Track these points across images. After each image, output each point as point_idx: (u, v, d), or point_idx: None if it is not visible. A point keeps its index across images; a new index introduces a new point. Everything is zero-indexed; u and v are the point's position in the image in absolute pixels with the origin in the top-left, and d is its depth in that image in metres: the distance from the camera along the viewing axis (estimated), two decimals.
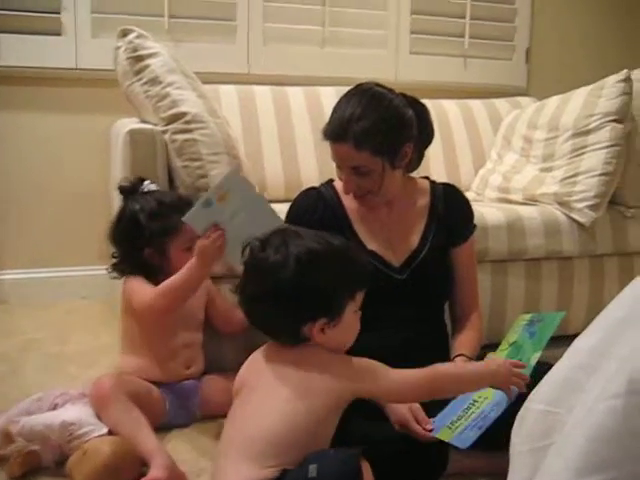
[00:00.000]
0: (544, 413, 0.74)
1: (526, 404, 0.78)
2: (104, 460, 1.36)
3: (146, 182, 1.78)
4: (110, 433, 1.47)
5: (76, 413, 1.48)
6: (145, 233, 1.68)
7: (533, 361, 1.37)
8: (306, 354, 1.24)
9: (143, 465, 1.43)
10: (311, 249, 1.22)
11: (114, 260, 1.76)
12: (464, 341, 1.66)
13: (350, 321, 1.26)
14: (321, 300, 1.20)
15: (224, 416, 1.54)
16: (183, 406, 1.71)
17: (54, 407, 1.52)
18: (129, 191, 1.77)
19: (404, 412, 1.42)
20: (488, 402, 1.35)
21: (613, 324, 0.73)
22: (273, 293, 1.20)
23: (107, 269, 1.78)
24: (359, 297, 1.26)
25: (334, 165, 1.64)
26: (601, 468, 0.60)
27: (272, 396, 1.21)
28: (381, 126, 1.55)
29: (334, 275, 1.22)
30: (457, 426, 1.34)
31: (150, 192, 1.76)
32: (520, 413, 0.80)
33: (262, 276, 1.22)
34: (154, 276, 1.72)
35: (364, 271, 1.27)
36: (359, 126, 1.53)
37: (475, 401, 1.38)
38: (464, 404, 1.39)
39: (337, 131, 1.56)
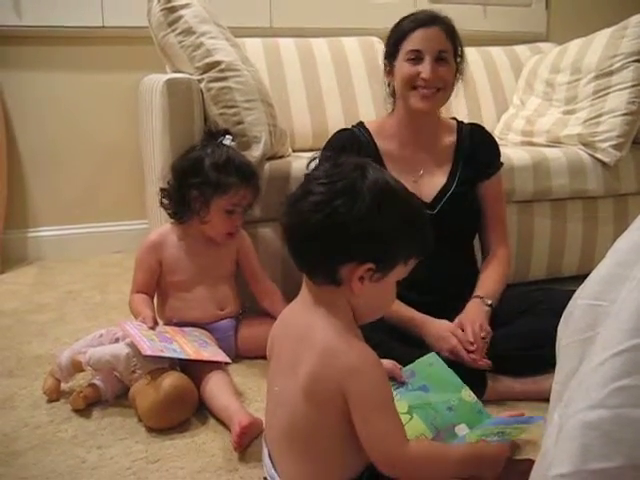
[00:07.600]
0: (589, 307, 0.78)
1: (572, 302, 0.83)
2: (165, 392, 1.42)
3: (228, 136, 1.84)
4: (171, 367, 1.53)
5: None
6: (201, 177, 1.73)
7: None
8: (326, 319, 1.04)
9: (200, 404, 1.51)
10: (392, 187, 1.04)
11: (166, 186, 1.83)
12: (484, 282, 1.70)
13: (391, 287, 1.08)
14: (379, 243, 1.00)
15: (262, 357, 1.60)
16: (220, 344, 1.74)
17: (115, 341, 1.58)
18: (212, 135, 1.84)
19: (454, 343, 1.50)
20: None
21: None
22: (332, 215, 0.97)
23: (158, 192, 1.85)
24: (410, 264, 1.07)
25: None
26: None
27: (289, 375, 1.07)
28: (455, 28, 1.71)
29: (403, 224, 1.02)
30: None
31: (225, 146, 1.81)
32: (566, 311, 0.84)
33: (324, 191, 1.00)
34: (186, 218, 1.79)
35: (428, 239, 1.07)
36: (447, 19, 1.70)
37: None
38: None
39: (427, 18, 1.67)
